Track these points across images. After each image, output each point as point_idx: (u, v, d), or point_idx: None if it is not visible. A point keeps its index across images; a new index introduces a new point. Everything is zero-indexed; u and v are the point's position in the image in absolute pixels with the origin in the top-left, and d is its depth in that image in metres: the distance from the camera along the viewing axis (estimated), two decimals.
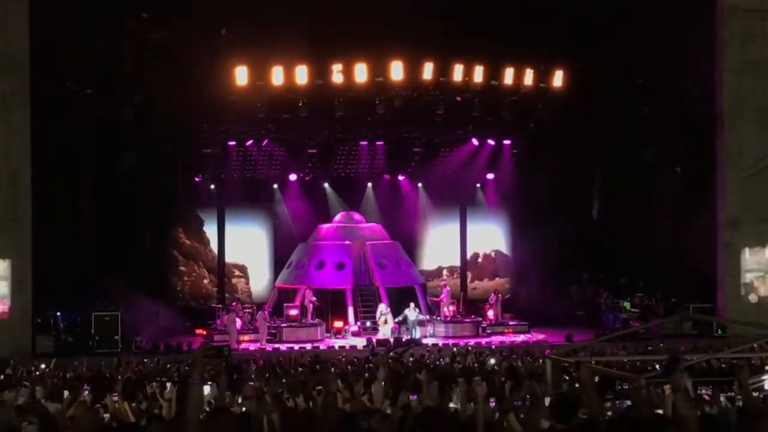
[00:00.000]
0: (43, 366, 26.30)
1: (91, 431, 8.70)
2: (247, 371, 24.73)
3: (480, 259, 45.93)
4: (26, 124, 33.56)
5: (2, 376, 24.06)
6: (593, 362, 18.50)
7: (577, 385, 15.96)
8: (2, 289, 33.81)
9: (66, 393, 16.79)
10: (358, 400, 12.12)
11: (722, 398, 14.62)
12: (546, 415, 9.64)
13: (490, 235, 45.78)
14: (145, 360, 29.59)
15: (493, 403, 11.88)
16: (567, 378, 17.49)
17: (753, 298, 36.21)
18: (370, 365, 25.97)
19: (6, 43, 33.43)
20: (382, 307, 37.35)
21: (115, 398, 15.28)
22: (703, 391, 15.61)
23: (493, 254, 45.81)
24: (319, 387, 12.23)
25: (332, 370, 24.39)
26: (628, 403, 13.55)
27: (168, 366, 26.58)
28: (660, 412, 11.28)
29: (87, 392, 17.31)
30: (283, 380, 19.92)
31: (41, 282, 33.96)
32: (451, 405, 12.84)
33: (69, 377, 23.92)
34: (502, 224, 45.65)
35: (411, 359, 28.11)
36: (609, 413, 11.36)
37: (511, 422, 10.17)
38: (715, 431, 9.48)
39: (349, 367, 25.67)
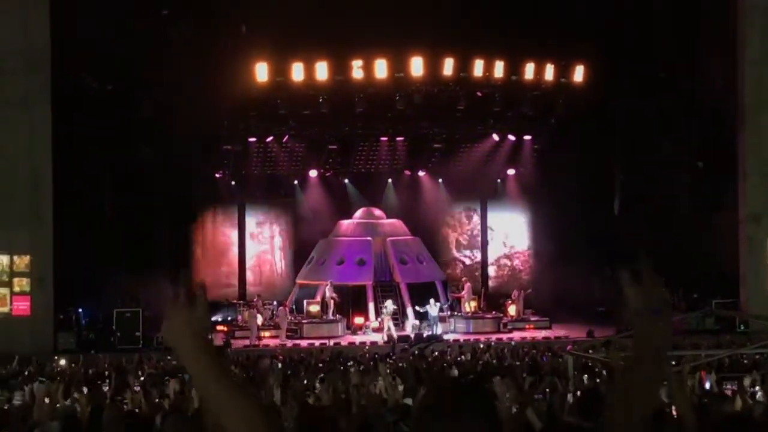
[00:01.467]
0: (63, 362, 26.37)
1: (113, 426, 8.69)
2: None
3: (502, 256, 45.89)
4: (47, 121, 33.68)
5: (26, 373, 24.13)
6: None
7: (598, 380, 15.89)
8: (24, 286, 33.96)
9: (85, 389, 16.83)
10: (374, 395, 12.09)
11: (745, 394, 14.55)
12: (569, 410, 9.56)
13: (511, 231, 45.65)
14: (169, 357, 29.67)
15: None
16: (588, 374, 17.43)
17: None
18: (391, 361, 25.98)
19: (27, 41, 33.54)
20: (388, 305, 37.32)
21: (135, 392, 15.34)
22: (728, 387, 15.53)
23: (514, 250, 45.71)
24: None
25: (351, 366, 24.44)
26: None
27: None
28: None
29: (107, 388, 17.38)
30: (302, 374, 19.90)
31: (63, 279, 34.06)
32: None
33: (90, 373, 24.00)
34: (522, 220, 45.53)
35: (432, 355, 28.11)
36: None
37: (530, 416, 10.09)
38: (738, 429, 9.37)
39: (371, 363, 25.66)
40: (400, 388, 14.15)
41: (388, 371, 14.23)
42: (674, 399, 9.34)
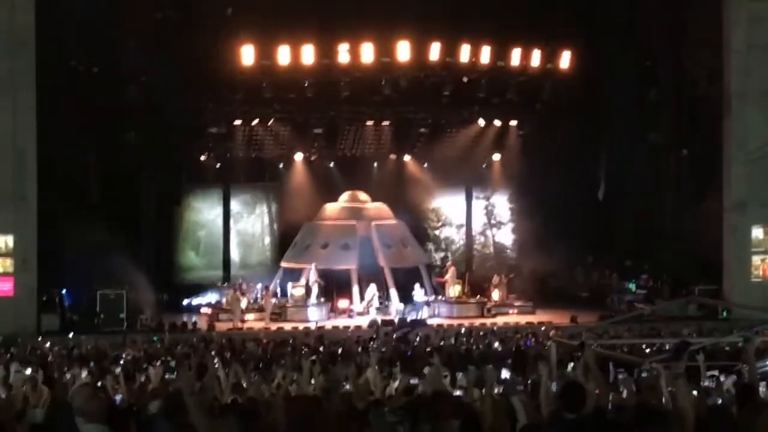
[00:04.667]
0: (48, 345, 26.36)
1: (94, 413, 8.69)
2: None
3: (485, 238, 45.98)
4: (32, 103, 33.58)
5: (9, 355, 24.12)
6: (597, 345, 18.47)
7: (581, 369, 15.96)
8: (7, 267, 33.92)
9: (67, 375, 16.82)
10: (361, 387, 12.11)
11: (727, 382, 14.66)
12: (553, 403, 9.61)
13: (495, 216, 45.73)
14: (155, 339, 29.73)
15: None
16: (572, 362, 17.48)
17: None
18: (374, 345, 26.07)
19: (12, 23, 33.39)
20: (372, 289, 37.42)
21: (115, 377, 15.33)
22: (708, 375, 15.64)
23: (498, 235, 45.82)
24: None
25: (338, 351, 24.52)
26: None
27: (178, 347, 26.54)
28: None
29: (86, 372, 17.35)
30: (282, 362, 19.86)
31: (47, 260, 34.02)
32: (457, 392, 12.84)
33: (73, 356, 23.99)
34: (507, 205, 45.60)
35: (416, 340, 28.21)
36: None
37: (515, 405, 10.13)
38: (718, 423, 9.46)
39: (351, 347, 25.73)
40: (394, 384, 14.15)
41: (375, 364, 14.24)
42: (677, 392, 9.46)
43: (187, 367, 13.68)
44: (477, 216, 45.66)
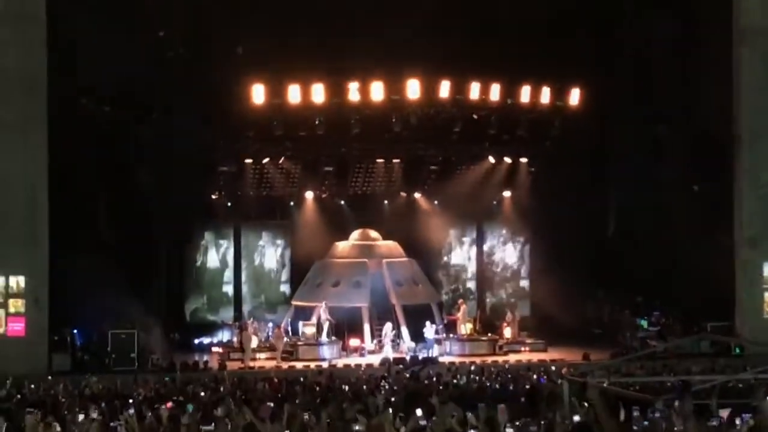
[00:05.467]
0: (62, 386, 26.30)
1: None
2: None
3: (496, 277, 45.88)
4: (44, 142, 33.71)
5: (19, 395, 24.09)
6: (608, 383, 18.35)
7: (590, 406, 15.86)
8: (19, 307, 33.95)
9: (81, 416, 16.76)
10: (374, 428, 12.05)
11: (738, 421, 14.57)
12: None
13: (506, 253, 45.66)
14: (167, 378, 29.64)
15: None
16: (583, 401, 17.38)
17: None
18: (386, 384, 25.94)
19: (24, 63, 33.58)
20: (387, 327, 37.38)
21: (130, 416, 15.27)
22: (722, 414, 15.52)
23: (509, 273, 45.72)
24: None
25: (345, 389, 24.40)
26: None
27: (187, 386, 26.46)
28: None
29: (96, 412, 17.27)
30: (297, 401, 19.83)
31: (58, 300, 34.03)
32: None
33: (85, 395, 23.93)
34: (518, 242, 45.55)
35: (427, 378, 28.07)
36: None
37: None
38: None
39: (364, 387, 25.60)
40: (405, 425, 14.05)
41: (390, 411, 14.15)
42: None
43: (199, 408, 13.65)
44: (488, 253, 45.55)
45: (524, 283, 45.37)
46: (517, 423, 13.08)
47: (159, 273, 39.51)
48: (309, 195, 42.93)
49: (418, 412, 13.81)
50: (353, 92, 36.93)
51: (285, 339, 37.48)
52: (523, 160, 42.83)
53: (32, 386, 26.44)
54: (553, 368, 30.23)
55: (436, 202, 44.25)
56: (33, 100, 33.57)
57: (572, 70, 38.19)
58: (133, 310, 35.29)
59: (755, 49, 36.29)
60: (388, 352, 36.42)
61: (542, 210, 42.21)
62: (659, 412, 15.99)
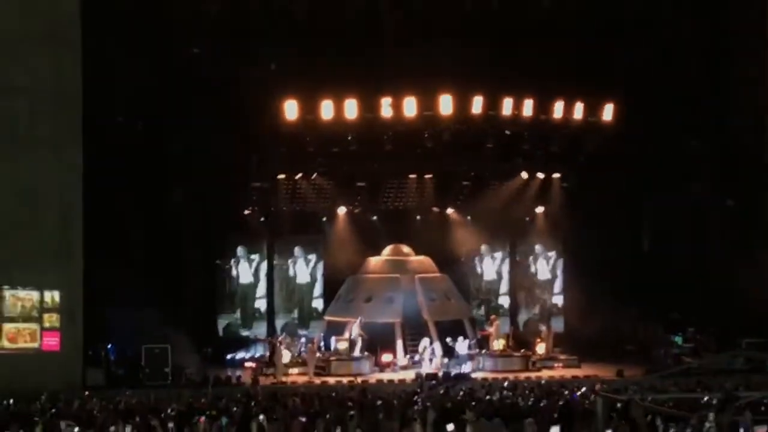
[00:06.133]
0: (96, 401, 26.40)
1: None
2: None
3: (529, 292, 45.71)
4: (79, 159, 33.90)
5: (53, 410, 24.22)
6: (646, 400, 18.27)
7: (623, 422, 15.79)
8: (53, 321, 34.12)
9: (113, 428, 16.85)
10: None
11: None
12: None
13: (539, 269, 45.51)
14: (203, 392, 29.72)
15: None
16: (615, 415, 17.31)
17: None
18: (418, 400, 25.90)
19: (58, 81, 33.80)
20: (425, 342, 37.34)
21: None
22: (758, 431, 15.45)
23: (541, 289, 45.56)
24: None
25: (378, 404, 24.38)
26: None
27: (220, 400, 26.53)
28: None
29: (131, 427, 17.36)
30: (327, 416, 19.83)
31: (92, 315, 34.22)
32: None
33: (119, 410, 24.03)
34: (551, 258, 45.39)
35: (460, 394, 28.02)
36: None
37: None
38: None
39: (395, 401, 25.58)
40: None
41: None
42: None
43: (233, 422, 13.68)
44: (520, 268, 45.42)
45: (557, 299, 45.16)
46: None
47: (192, 288, 39.64)
48: (341, 210, 42.96)
49: (449, 427, 13.81)
50: (386, 108, 37.00)
51: (318, 354, 37.53)
52: (556, 175, 42.69)
53: (67, 401, 26.59)
54: (587, 384, 30.06)
55: (468, 217, 44.17)
56: (68, 118, 33.76)
57: (605, 85, 38.11)
58: (167, 325, 35.43)
59: None
60: (426, 368, 36.36)
61: (575, 225, 42.10)
62: (692, 428, 15.93)
